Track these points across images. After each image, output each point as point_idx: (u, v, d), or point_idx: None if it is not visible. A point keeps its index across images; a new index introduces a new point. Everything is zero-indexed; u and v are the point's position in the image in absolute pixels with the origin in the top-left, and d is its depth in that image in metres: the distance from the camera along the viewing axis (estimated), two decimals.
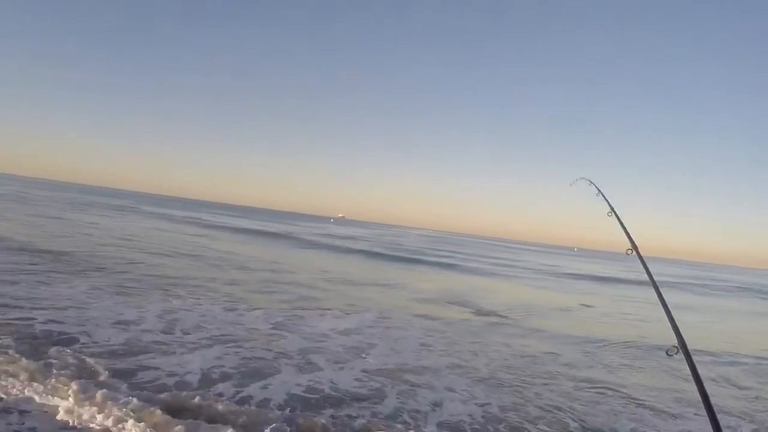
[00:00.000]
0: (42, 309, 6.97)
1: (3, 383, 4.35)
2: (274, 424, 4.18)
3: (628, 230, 4.05)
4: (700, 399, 2.00)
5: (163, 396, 4.53)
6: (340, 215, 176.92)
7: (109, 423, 3.90)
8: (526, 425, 5.08)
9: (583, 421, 5.37)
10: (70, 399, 4.17)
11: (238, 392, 5.04)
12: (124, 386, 4.62)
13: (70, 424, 3.90)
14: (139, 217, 34.15)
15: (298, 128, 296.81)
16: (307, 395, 5.21)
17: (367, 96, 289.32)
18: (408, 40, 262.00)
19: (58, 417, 3.95)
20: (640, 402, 6.29)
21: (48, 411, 4.04)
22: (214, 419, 4.18)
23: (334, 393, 5.38)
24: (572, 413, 5.57)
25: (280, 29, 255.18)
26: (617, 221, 4.26)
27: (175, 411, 4.20)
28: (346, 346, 7.45)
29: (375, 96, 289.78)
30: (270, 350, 6.68)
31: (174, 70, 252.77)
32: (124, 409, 4.02)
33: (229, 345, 6.62)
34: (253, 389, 5.17)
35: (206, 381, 5.23)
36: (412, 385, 5.94)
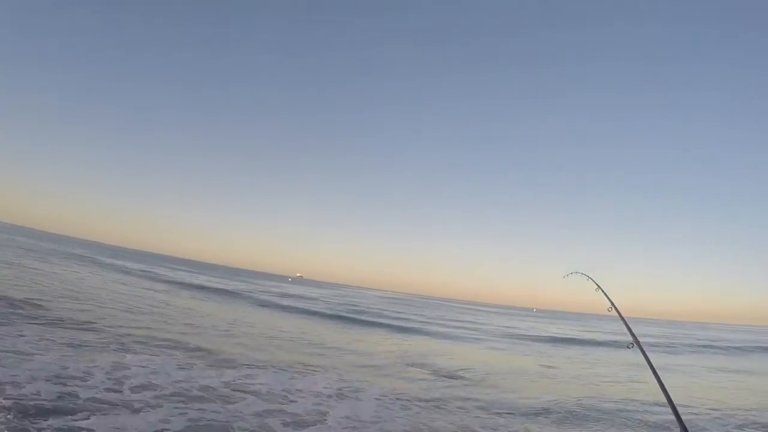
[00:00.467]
0: None
1: None
2: None
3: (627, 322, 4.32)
4: None
5: None
6: (298, 275, 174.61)
7: None
8: None
9: None
10: None
11: None
12: None
13: None
14: (98, 268, 32.84)
15: (256, 187, 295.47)
16: None
17: (332, 158, 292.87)
18: (371, 104, 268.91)
19: None
20: None
21: None
22: None
23: None
24: None
25: (249, 90, 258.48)
26: (617, 314, 4.65)
27: None
28: (304, 408, 7.26)
29: (343, 158, 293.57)
30: (221, 412, 6.43)
31: (138, 118, 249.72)
32: None
33: (178, 405, 6.35)
34: None
35: None
36: None
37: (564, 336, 30.83)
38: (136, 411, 5.86)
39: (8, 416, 4.89)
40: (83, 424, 5.16)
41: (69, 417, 5.29)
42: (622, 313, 4.72)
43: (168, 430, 5.47)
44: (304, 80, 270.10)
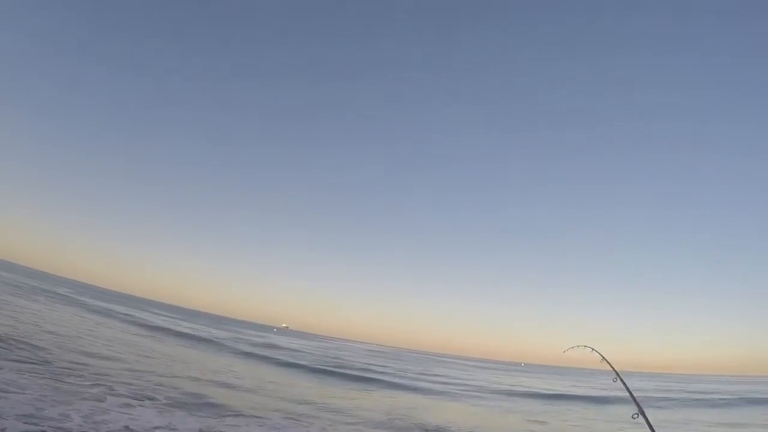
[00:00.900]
0: None
1: None
2: None
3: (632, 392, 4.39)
4: None
5: None
6: (283, 325, 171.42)
7: None
8: None
9: None
10: None
11: None
12: None
13: None
14: (82, 310, 32.09)
15: (244, 236, 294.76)
16: None
17: (322, 213, 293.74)
18: (367, 161, 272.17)
19: None
20: None
21: None
22: None
23: None
24: None
25: (243, 144, 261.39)
26: (622, 385, 4.56)
27: None
28: None
29: (333, 214, 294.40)
30: None
31: (130, 162, 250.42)
32: None
33: None
34: None
35: None
36: None
37: (554, 392, 30.05)
38: None
39: None
40: None
41: None
42: (620, 374, 4.75)
43: None
44: (295, 137, 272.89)
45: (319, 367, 26.12)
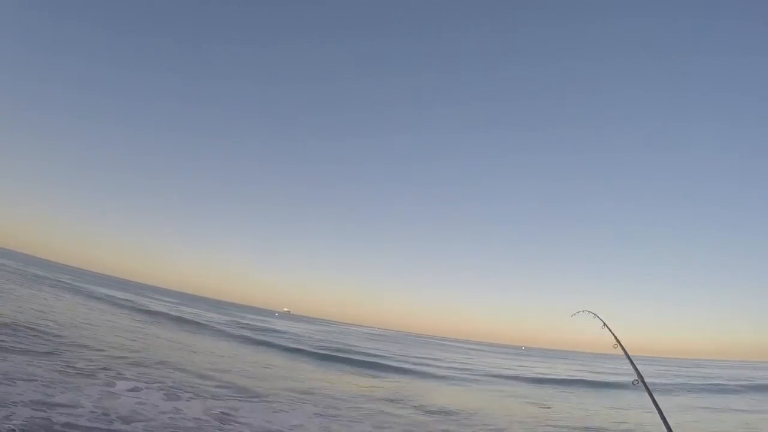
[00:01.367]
0: None
1: None
2: None
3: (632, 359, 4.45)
4: None
5: None
6: (285, 309, 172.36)
7: None
8: None
9: None
10: None
11: None
12: None
13: None
14: (84, 297, 32.10)
15: (245, 221, 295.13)
16: None
17: (323, 194, 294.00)
18: (366, 143, 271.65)
19: None
20: None
21: None
22: None
23: None
24: None
25: (246, 131, 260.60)
26: (623, 353, 4.69)
27: None
28: None
29: (335, 196, 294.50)
30: None
31: (132, 146, 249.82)
32: None
33: None
34: None
35: None
36: None
37: (556, 377, 29.72)
38: None
39: None
40: None
41: None
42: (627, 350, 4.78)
43: None
44: (295, 131, 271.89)
45: (321, 352, 26.18)
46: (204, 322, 32.70)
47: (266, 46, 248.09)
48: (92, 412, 6.72)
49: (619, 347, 4.85)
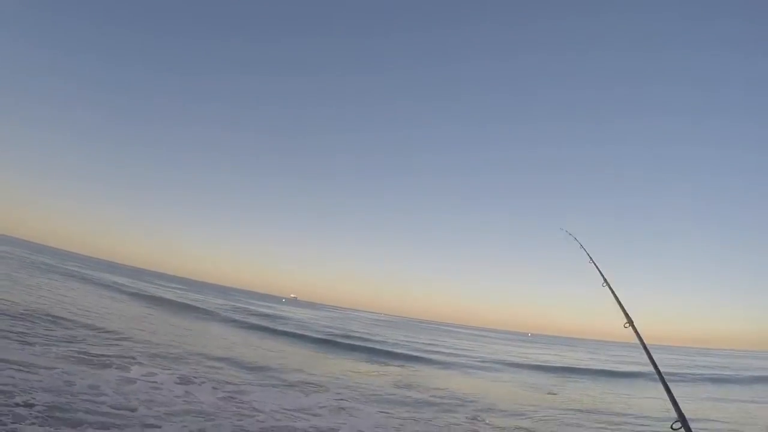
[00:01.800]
0: None
1: None
2: None
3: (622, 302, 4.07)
4: None
5: None
6: (291, 295, 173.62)
7: None
8: None
9: None
10: None
11: None
12: None
13: None
14: (94, 285, 32.37)
15: (251, 205, 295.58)
16: None
17: (332, 178, 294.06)
18: (372, 124, 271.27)
19: None
20: None
21: None
22: None
23: None
24: None
25: (251, 111, 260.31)
26: (611, 294, 4.24)
27: None
28: (312, 425, 7.55)
29: (343, 179, 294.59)
30: (232, 427, 6.72)
31: (138, 134, 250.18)
32: None
33: (184, 419, 6.63)
34: None
35: None
36: None
37: (564, 365, 29.28)
38: (148, 426, 6.14)
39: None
40: None
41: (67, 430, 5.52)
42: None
43: None
44: (302, 103, 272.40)
45: (327, 338, 26.10)
46: (212, 309, 32.96)
47: (277, 41, 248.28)
48: (112, 397, 6.99)
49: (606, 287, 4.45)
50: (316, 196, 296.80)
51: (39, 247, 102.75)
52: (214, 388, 8.98)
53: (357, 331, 34.60)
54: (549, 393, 16.26)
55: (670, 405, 2.70)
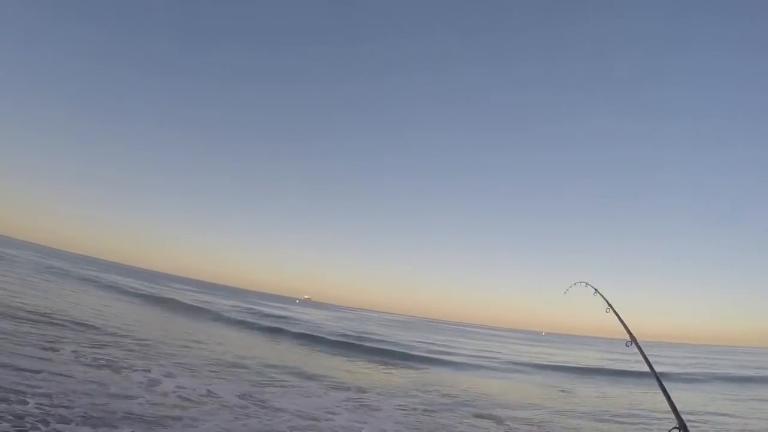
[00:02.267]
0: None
1: None
2: None
3: (626, 323, 4.43)
4: None
5: None
6: (305, 297, 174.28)
7: None
8: None
9: None
10: None
11: None
12: None
13: None
14: (111, 290, 32.72)
15: (266, 207, 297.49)
16: None
17: (345, 182, 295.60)
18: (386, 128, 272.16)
19: None
20: None
21: None
22: None
23: None
24: None
25: (260, 116, 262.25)
26: (615, 317, 4.60)
27: None
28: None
29: (357, 183, 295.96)
30: (263, 425, 6.96)
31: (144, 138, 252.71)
32: None
33: (215, 415, 6.88)
34: None
35: None
36: None
37: (583, 365, 28.49)
38: (184, 424, 6.39)
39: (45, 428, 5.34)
40: None
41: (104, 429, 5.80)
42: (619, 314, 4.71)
43: None
44: (313, 104, 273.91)
45: (341, 340, 25.55)
46: (224, 311, 32.75)
47: (277, 48, 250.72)
48: (144, 398, 7.28)
49: (611, 311, 4.81)
50: (330, 199, 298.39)
51: (47, 250, 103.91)
52: (235, 388, 9.25)
53: (372, 333, 34.14)
54: (561, 391, 16.38)
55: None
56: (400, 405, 10.27)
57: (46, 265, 40.21)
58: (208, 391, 8.55)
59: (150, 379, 8.61)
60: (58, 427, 5.31)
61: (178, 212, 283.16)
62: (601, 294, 5.12)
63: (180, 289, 58.68)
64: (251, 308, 42.34)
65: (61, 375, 7.61)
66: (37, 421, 5.33)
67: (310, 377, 12.36)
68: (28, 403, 5.84)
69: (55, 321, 13.09)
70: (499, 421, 10.00)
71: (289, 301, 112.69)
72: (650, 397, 16.04)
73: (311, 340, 24.22)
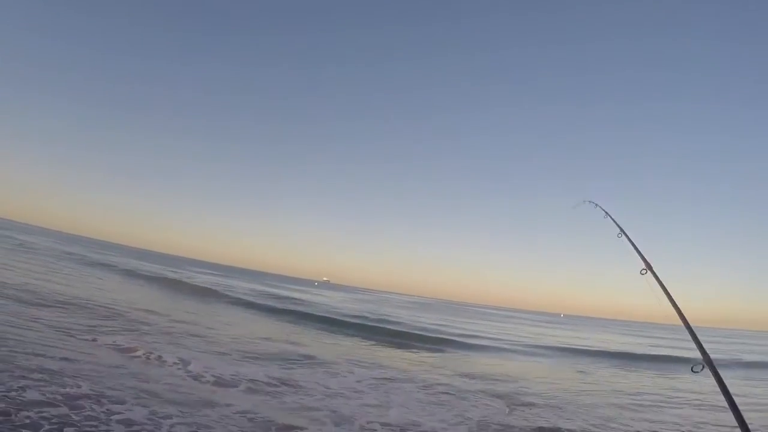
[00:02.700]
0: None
1: None
2: None
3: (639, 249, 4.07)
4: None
5: None
6: (324, 279, 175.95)
7: None
8: None
9: None
10: None
11: None
12: None
13: None
14: (131, 276, 33.13)
15: (286, 190, 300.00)
16: None
17: (364, 163, 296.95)
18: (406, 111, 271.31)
19: None
20: None
21: None
22: None
23: None
24: None
25: (276, 95, 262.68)
26: (628, 242, 4.28)
27: None
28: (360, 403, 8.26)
29: (375, 164, 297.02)
30: (295, 399, 7.43)
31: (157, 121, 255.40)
32: None
33: (251, 394, 7.37)
34: None
35: None
36: None
37: (603, 349, 27.80)
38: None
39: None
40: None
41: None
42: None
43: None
44: (330, 89, 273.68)
45: (361, 323, 25.15)
46: (245, 295, 32.67)
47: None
48: (179, 380, 7.81)
49: (621, 231, 4.55)
50: (352, 181, 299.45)
51: (64, 236, 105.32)
52: (260, 368, 9.78)
53: (389, 315, 33.96)
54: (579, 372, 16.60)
55: None
56: (420, 385, 10.67)
57: (66, 252, 40.88)
58: (238, 372, 9.02)
59: (182, 362, 9.03)
60: (113, 407, 5.79)
61: (201, 198, 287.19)
62: (611, 217, 4.83)
63: (199, 272, 59.70)
64: (270, 291, 42.13)
65: (100, 362, 8.12)
66: (92, 403, 5.80)
67: (328, 359, 12.64)
68: (81, 386, 6.32)
69: (85, 307, 13.70)
70: (516, 400, 10.30)
71: (307, 283, 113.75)
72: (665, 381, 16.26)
73: (330, 323, 23.88)
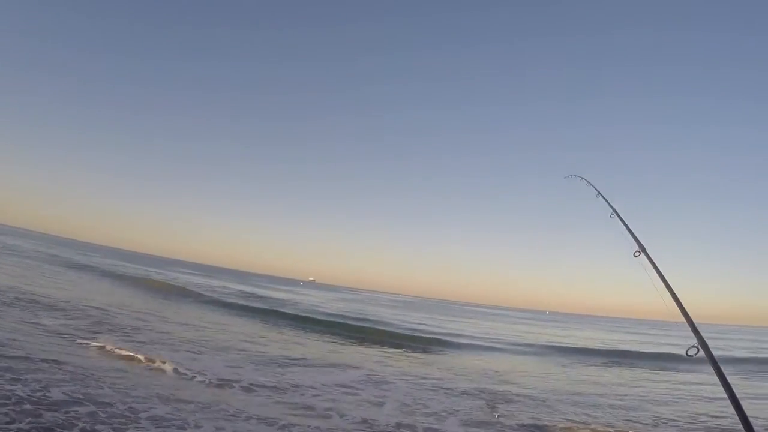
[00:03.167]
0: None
1: None
2: None
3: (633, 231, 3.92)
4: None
5: None
6: (310, 278, 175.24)
7: None
8: None
9: None
10: None
11: None
12: None
13: None
14: (117, 280, 32.16)
15: (269, 189, 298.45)
16: None
17: (350, 161, 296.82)
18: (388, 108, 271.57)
19: None
20: None
21: None
22: None
23: None
24: None
25: (260, 96, 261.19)
26: (621, 223, 4.13)
27: None
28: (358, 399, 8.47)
29: (361, 163, 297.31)
30: (286, 398, 7.60)
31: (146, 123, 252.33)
32: None
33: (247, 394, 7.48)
34: None
35: None
36: None
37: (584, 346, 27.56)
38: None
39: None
40: None
41: None
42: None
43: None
44: (312, 86, 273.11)
45: (347, 322, 24.44)
46: (229, 295, 32.58)
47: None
48: (179, 383, 7.99)
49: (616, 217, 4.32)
50: (338, 183, 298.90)
51: (49, 238, 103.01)
52: (256, 370, 9.95)
53: (375, 314, 33.23)
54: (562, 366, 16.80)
55: None
56: (409, 382, 10.89)
57: (51, 254, 40.06)
58: (237, 373, 9.14)
59: (177, 365, 9.05)
60: (136, 406, 6.13)
61: (191, 198, 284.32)
62: (603, 197, 4.62)
63: (185, 273, 59.11)
64: (253, 292, 40.61)
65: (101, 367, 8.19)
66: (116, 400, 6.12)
67: (323, 360, 12.79)
68: (102, 388, 6.63)
69: (71, 310, 13.70)
70: (502, 396, 10.54)
71: (293, 283, 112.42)
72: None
73: (310, 322, 23.13)
